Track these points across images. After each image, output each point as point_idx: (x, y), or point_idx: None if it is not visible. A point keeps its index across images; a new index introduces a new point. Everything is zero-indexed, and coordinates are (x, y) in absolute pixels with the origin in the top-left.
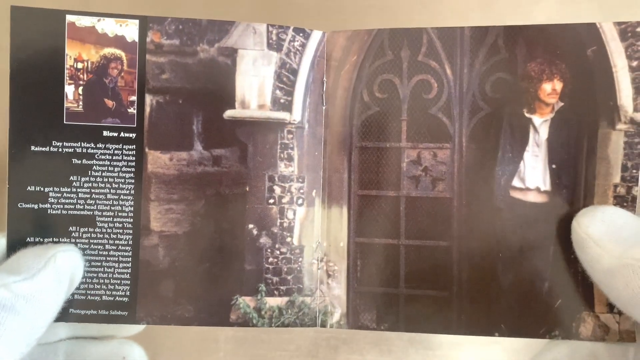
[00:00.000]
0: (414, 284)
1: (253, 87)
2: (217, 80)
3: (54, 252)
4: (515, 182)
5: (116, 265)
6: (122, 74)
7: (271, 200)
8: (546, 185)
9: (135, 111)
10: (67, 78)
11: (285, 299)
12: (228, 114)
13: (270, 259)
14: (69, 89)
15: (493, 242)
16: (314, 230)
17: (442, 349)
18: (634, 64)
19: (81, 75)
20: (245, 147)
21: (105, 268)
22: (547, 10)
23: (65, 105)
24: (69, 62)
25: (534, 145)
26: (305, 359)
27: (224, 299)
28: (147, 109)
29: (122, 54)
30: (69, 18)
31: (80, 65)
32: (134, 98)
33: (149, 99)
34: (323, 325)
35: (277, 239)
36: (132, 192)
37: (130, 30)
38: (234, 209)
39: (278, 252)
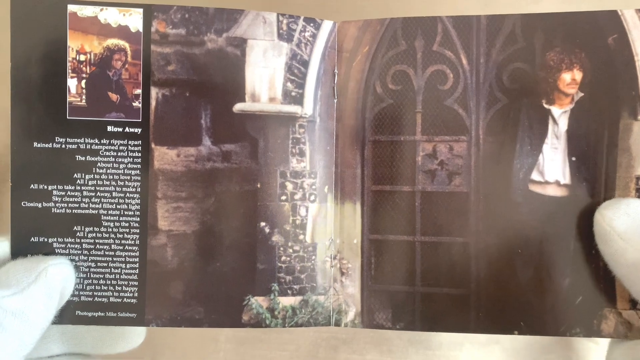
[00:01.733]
0: (430, 281)
1: (263, 79)
2: (226, 72)
3: (45, 266)
4: (534, 176)
5: (123, 265)
6: (127, 65)
7: (283, 197)
8: (566, 179)
9: (140, 105)
10: (70, 71)
11: (299, 298)
12: (238, 107)
13: (283, 258)
14: (72, 83)
15: (512, 237)
16: (327, 228)
17: (442, 349)
18: None
19: (84, 68)
20: (255, 142)
21: (112, 269)
22: (548, 4)
23: (67, 99)
24: (71, 54)
25: (553, 137)
26: (305, 359)
27: (236, 299)
28: (153, 103)
29: (126, 45)
30: (71, 8)
31: (82, 58)
32: (139, 91)
33: (154, 91)
34: (337, 324)
35: (290, 237)
36: (139, 189)
37: (134, 20)
38: (245, 207)
39: (291, 250)
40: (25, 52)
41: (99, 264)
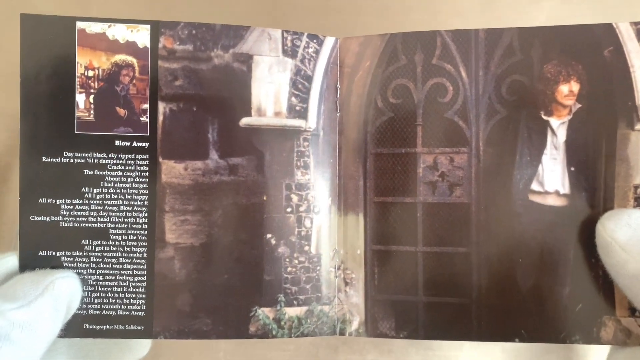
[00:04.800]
0: (432, 291)
1: (269, 94)
2: (233, 87)
3: (52, 279)
4: (534, 186)
5: (131, 278)
6: (134, 81)
7: (289, 209)
8: (565, 189)
9: (148, 119)
10: (78, 86)
11: (304, 308)
12: (244, 121)
13: (289, 269)
14: (80, 98)
15: (512, 247)
16: (331, 239)
17: (442, 349)
18: None
19: (92, 84)
20: (262, 156)
21: (120, 282)
22: (547, 10)
23: (76, 114)
24: (79, 70)
25: (552, 148)
26: (305, 359)
27: (243, 310)
28: (160, 117)
29: (134, 61)
30: (79, 25)
31: (91, 73)
32: (146, 106)
33: (162, 106)
34: (342, 333)
35: (295, 248)
36: (146, 203)
37: (141, 36)
38: (252, 219)
39: (297, 261)
40: (35, 67)
41: (106, 277)
